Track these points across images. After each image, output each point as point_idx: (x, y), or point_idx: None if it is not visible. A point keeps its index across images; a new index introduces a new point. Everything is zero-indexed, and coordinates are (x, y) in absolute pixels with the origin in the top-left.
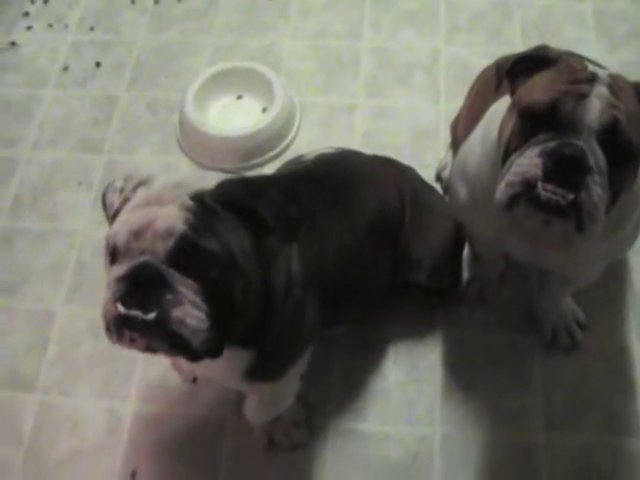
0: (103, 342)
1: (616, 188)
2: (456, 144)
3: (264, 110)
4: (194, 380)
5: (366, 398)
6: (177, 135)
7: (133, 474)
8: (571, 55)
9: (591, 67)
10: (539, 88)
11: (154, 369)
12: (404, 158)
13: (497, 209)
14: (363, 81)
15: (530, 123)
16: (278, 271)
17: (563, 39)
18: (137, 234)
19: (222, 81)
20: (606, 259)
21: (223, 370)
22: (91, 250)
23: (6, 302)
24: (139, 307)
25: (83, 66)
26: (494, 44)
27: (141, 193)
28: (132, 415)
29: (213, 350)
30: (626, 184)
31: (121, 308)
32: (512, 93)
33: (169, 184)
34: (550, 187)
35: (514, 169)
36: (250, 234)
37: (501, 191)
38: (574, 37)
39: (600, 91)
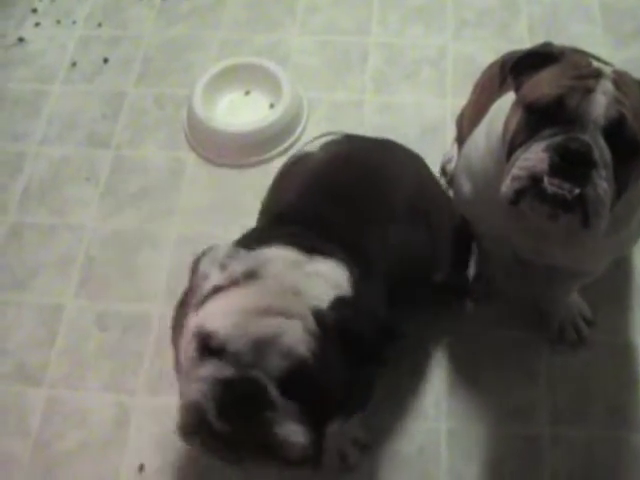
0: (111, 335)
1: (621, 183)
2: (461, 139)
3: (272, 106)
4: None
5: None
6: (185, 130)
7: (141, 467)
8: (575, 52)
9: (595, 64)
10: (544, 84)
11: (162, 362)
12: None
13: (503, 203)
14: (370, 77)
15: (536, 118)
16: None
17: (570, 35)
18: (257, 346)
19: (230, 76)
20: (612, 255)
21: None
22: (99, 244)
23: (15, 296)
24: (233, 420)
25: (91, 62)
26: (501, 40)
27: (257, 290)
28: (140, 408)
29: (313, 457)
30: (631, 179)
31: (213, 418)
32: (517, 89)
33: (287, 288)
34: (556, 181)
35: (520, 164)
36: (352, 362)
37: (507, 185)
38: (581, 33)
39: (605, 86)
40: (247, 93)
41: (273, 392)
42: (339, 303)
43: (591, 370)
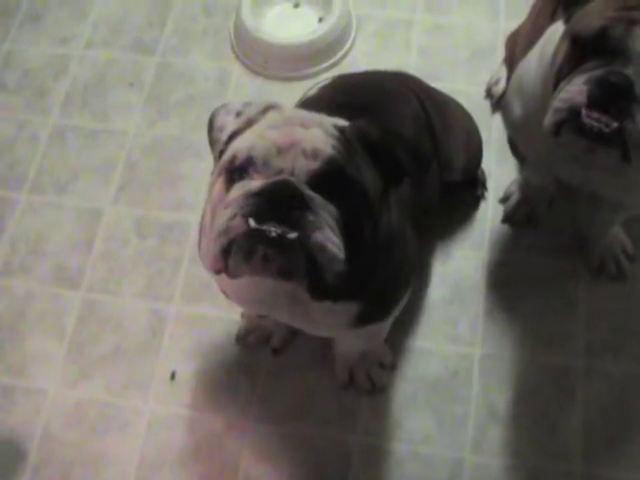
0: (149, 242)
1: None
2: (511, 60)
3: (320, 19)
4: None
5: (410, 314)
6: (231, 40)
7: (173, 374)
8: None
9: None
10: (590, 15)
11: (199, 270)
12: (459, 76)
13: (545, 134)
14: None
15: (580, 50)
16: (390, 214)
17: None
18: (281, 150)
19: None
20: None
21: (326, 322)
22: (140, 151)
23: (55, 199)
24: (277, 224)
25: None
26: None
27: (275, 115)
28: (175, 316)
29: (339, 288)
30: None
31: (253, 223)
32: (566, 21)
33: (305, 114)
34: (595, 115)
35: (561, 96)
36: (382, 178)
37: (548, 117)
38: None
39: None
40: (296, 5)
41: (308, 192)
42: (361, 122)
43: (630, 304)
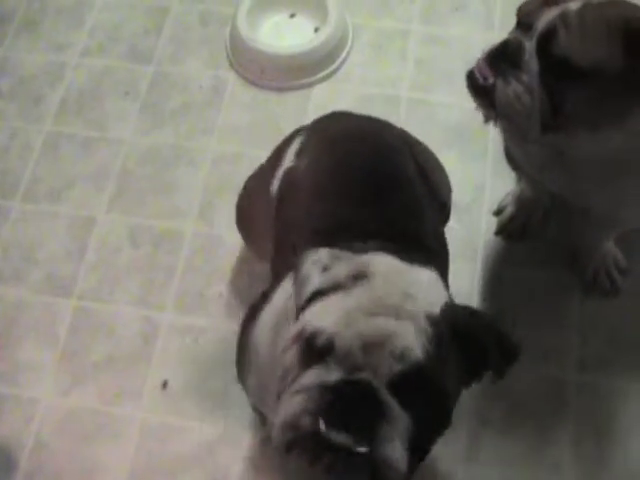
0: (142, 250)
1: (558, 101)
2: None
3: (316, 30)
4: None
5: None
6: (227, 49)
7: (165, 383)
8: None
9: None
10: None
11: (192, 279)
12: (455, 87)
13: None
14: (419, 6)
15: None
16: None
17: None
18: (367, 346)
19: None
20: None
21: None
22: (135, 159)
23: (49, 207)
24: (345, 430)
25: None
26: None
27: (366, 291)
28: (167, 325)
29: None
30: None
31: (324, 427)
32: None
33: (396, 289)
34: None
35: None
36: (467, 367)
37: None
38: None
39: None
40: (292, 16)
41: (387, 397)
42: (451, 308)
43: (623, 319)
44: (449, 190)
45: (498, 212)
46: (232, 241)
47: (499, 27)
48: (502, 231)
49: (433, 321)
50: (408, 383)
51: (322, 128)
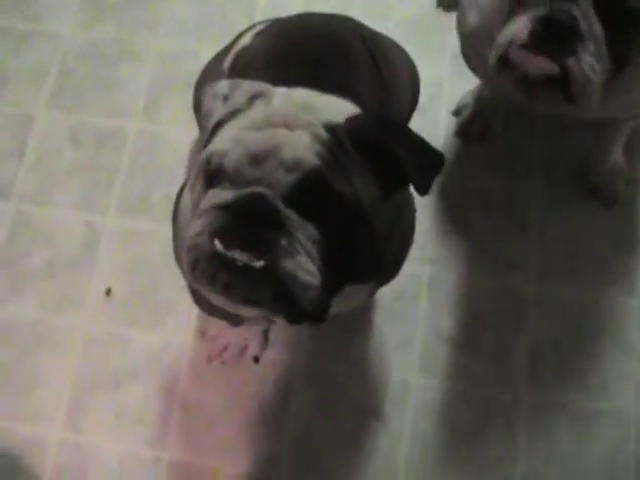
0: (83, 150)
1: (620, 57)
2: None
3: None
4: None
5: None
6: None
7: (108, 291)
8: None
9: None
10: None
11: (136, 181)
12: None
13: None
14: None
15: None
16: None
17: None
18: (256, 159)
19: None
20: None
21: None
22: (76, 54)
23: None
24: (243, 248)
25: None
26: None
27: (261, 108)
28: (110, 230)
29: (318, 313)
30: (632, 53)
31: (219, 246)
32: None
33: (295, 104)
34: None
35: (504, 31)
36: (381, 184)
37: (492, 54)
38: None
39: None
40: None
41: (283, 209)
42: (357, 116)
43: (582, 229)
44: (416, 82)
45: (457, 112)
46: (178, 140)
47: None
48: (462, 133)
49: (332, 129)
50: (307, 193)
51: (284, 20)
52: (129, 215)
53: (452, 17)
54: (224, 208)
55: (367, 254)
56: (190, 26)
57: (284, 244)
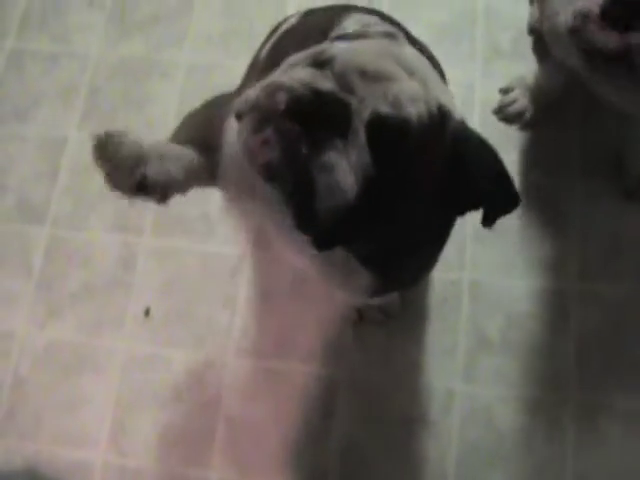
0: None
1: None
2: None
3: None
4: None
5: None
6: None
7: (147, 311)
8: None
9: None
10: None
11: (171, 201)
12: None
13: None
14: None
15: None
16: None
17: None
18: (365, 74)
19: None
20: None
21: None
22: (104, 74)
23: (15, 128)
24: (300, 123)
25: None
26: None
27: (388, 43)
28: (146, 249)
29: (326, 230)
30: None
31: (282, 104)
32: None
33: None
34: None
35: (577, 2)
36: (445, 195)
37: (566, 20)
38: None
39: None
40: None
41: (358, 125)
42: (467, 127)
43: (626, 226)
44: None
45: (505, 91)
46: None
47: None
48: (500, 112)
49: (443, 113)
50: (387, 133)
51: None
52: (165, 234)
53: (482, 24)
54: (313, 90)
55: (401, 224)
56: (217, 39)
57: (337, 146)
